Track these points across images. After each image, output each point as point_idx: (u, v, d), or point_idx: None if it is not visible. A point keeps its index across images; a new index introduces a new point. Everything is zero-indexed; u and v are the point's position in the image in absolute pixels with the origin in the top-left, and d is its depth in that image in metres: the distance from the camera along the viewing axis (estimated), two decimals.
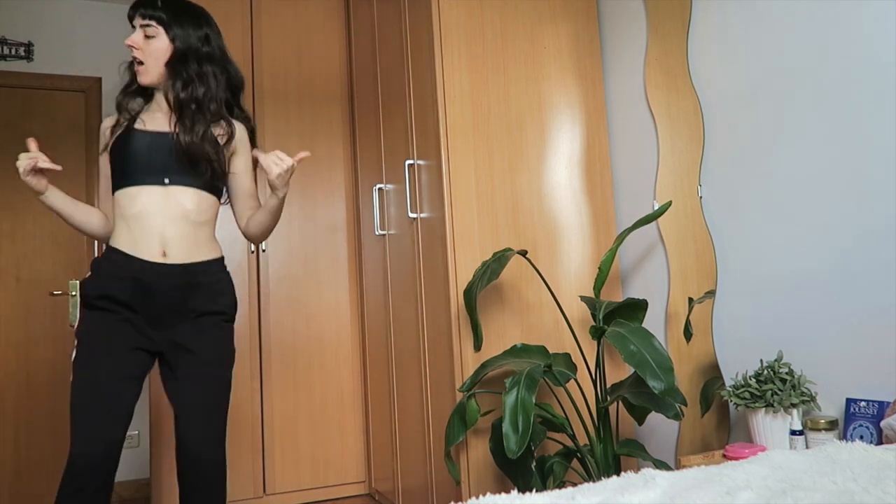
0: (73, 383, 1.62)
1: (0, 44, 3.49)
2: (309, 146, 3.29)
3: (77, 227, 1.81)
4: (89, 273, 1.73)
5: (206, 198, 1.78)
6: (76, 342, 1.67)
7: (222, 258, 1.84)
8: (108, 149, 1.76)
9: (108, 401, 1.61)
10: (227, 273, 1.84)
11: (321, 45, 3.37)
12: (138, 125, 1.74)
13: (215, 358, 1.76)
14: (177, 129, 1.72)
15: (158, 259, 1.69)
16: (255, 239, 1.94)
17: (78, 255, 3.52)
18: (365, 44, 3.11)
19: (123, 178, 1.72)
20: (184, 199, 1.72)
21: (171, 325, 1.71)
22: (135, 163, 1.71)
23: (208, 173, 1.76)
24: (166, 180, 1.71)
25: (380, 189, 2.89)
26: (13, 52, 3.51)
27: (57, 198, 1.75)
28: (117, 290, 1.66)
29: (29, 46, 3.55)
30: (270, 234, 1.97)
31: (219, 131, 1.79)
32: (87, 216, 1.81)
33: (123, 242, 1.70)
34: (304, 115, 3.30)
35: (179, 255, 1.71)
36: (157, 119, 1.77)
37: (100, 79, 3.65)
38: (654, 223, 2.31)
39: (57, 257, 3.49)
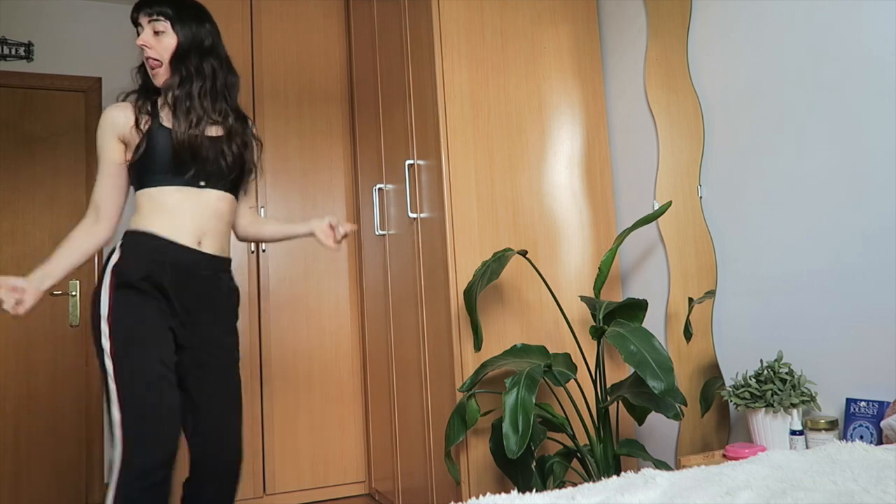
0: (124, 380, 1.54)
1: (0, 44, 3.49)
2: (309, 146, 3.29)
3: (81, 264, 1.76)
4: (119, 254, 1.65)
5: (233, 200, 1.81)
6: (110, 330, 1.58)
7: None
8: (136, 147, 1.69)
9: (168, 400, 1.57)
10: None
11: (321, 45, 3.37)
12: (165, 123, 1.71)
13: (234, 356, 1.80)
14: (173, 126, 1.69)
15: (195, 247, 1.70)
16: (245, 239, 1.99)
17: None
18: (365, 44, 3.11)
19: (156, 175, 1.69)
20: (219, 201, 1.75)
21: (199, 318, 1.71)
22: (168, 163, 1.68)
23: (233, 172, 1.77)
24: (202, 183, 1.72)
25: (380, 189, 2.89)
26: (13, 52, 3.51)
27: (52, 276, 1.65)
28: (159, 273, 1.63)
29: (29, 46, 3.55)
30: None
31: (219, 129, 1.78)
32: (80, 255, 1.70)
33: (161, 228, 1.67)
34: (304, 115, 3.30)
35: (212, 247, 1.74)
36: None
37: (100, 79, 3.65)
38: (654, 223, 2.31)
39: None
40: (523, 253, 1.97)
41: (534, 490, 1.75)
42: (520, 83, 2.40)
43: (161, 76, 1.73)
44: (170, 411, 1.57)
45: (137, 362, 1.56)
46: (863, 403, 1.61)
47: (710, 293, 2.09)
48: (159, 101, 1.75)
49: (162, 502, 1.54)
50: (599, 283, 1.98)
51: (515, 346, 2.04)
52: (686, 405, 1.73)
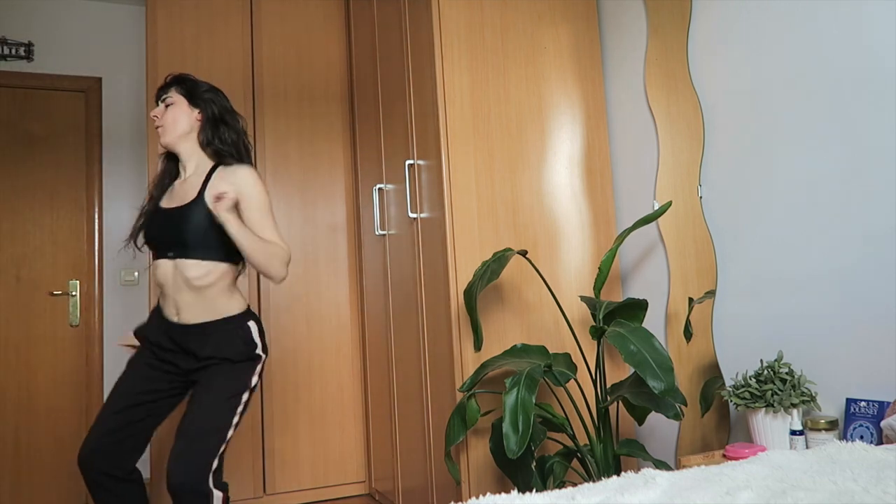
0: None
1: (0, 44, 3.49)
2: (309, 146, 3.29)
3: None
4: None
5: (198, 264, 1.88)
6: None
7: (241, 313, 1.94)
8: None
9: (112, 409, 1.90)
10: (244, 325, 1.92)
11: (321, 45, 3.37)
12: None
13: (214, 387, 1.85)
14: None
15: (175, 319, 1.90)
16: (262, 274, 2.07)
17: (78, 255, 3.52)
18: (365, 44, 3.11)
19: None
20: (186, 270, 1.87)
21: (194, 367, 1.89)
22: (152, 238, 1.97)
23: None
24: (170, 254, 1.89)
25: (380, 189, 2.89)
26: (13, 52, 3.51)
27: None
28: (160, 338, 1.92)
29: (29, 46, 3.54)
30: (270, 269, 1.94)
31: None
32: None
33: (161, 302, 1.96)
34: (304, 116, 3.30)
35: (190, 317, 1.88)
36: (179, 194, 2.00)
37: (100, 79, 3.65)
38: (654, 223, 2.31)
39: (57, 257, 3.48)
40: (523, 253, 1.97)
41: (534, 490, 1.75)
42: (520, 83, 2.40)
43: None
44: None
45: (113, 388, 1.96)
46: (863, 403, 1.61)
47: (710, 293, 2.09)
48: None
49: None
50: (599, 283, 1.98)
51: (515, 346, 2.05)
52: (686, 405, 1.73)
